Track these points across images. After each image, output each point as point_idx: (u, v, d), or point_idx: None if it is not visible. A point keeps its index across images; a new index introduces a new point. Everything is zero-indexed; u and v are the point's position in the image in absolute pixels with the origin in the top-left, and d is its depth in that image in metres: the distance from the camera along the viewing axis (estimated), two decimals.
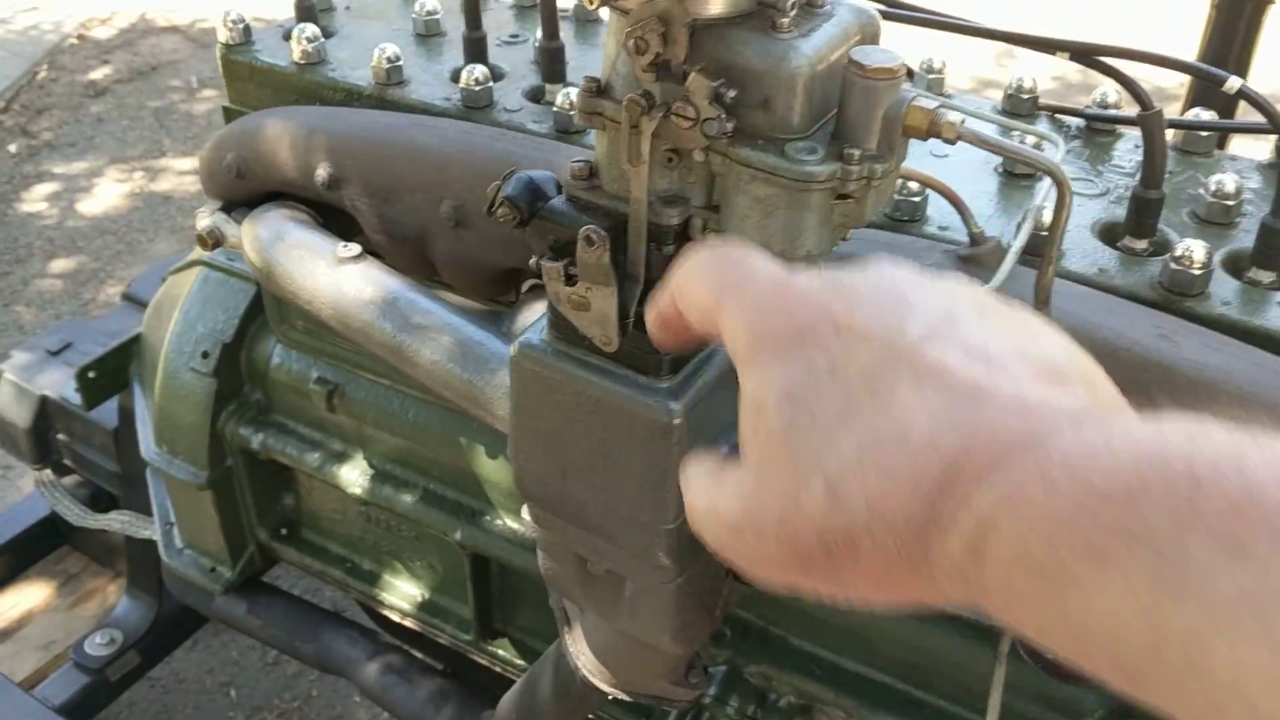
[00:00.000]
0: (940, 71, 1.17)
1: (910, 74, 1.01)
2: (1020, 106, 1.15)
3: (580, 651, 1.12)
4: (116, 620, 2.02)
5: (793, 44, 0.69)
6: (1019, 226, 0.91)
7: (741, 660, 1.26)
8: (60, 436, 1.98)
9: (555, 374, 0.84)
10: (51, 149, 4.32)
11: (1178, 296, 0.89)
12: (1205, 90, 1.21)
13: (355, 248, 1.05)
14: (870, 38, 0.73)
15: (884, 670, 1.22)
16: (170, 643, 2.11)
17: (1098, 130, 1.11)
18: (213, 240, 1.22)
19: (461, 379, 0.95)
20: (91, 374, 1.74)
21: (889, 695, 1.22)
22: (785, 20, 0.69)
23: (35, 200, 3.99)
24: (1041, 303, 0.77)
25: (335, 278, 1.04)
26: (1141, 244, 0.95)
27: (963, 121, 0.68)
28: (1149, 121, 0.93)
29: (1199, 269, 0.89)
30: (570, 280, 0.77)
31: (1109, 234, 0.97)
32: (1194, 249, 0.89)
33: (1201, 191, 0.99)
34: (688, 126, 0.69)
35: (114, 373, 1.76)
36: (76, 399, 1.82)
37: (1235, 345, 0.83)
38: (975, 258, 0.85)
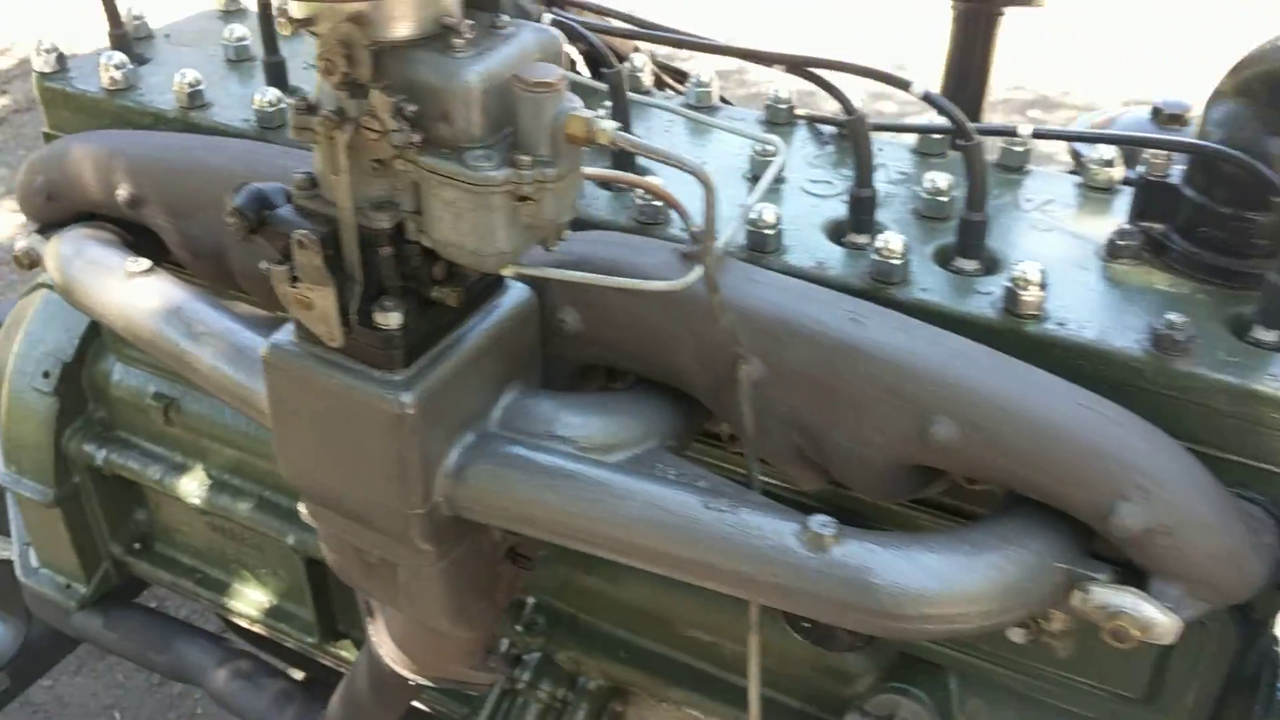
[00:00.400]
0: (707, 85, 1.26)
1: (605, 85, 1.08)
2: (778, 115, 1.23)
3: (382, 641, 1.18)
4: None
5: (466, 63, 0.76)
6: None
7: (553, 647, 1.33)
8: None
9: (300, 371, 0.90)
10: None
11: (881, 284, 0.98)
12: None
13: (144, 262, 1.11)
14: (551, 56, 0.81)
15: (683, 650, 1.29)
16: (42, 666, 2.14)
17: (846, 137, 1.20)
18: (28, 260, 1.27)
19: (235, 381, 1.01)
20: None
21: (688, 674, 1.29)
22: (460, 42, 0.77)
23: None
24: (712, 289, 0.85)
25: (125, 291, 1.10)
26: (863, 239, 1.03)
27: (616, 129, 0.76)
28: (855, 126, 1.02)
29: (897, 259, 0.97)
30: (294, 282, 0.83)
31: (835, 231, 1.06)
32: (891, 241, 0.97)
33: (918, 189, 1.08)
34: (375, 139, 0.77)
35: None
36: None
37: (920, 326, 0.91)
38: (695, 254, 0.92)
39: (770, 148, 1.08)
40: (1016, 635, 1.05)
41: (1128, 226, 1.02)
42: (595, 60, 1.35)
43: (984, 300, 0.97)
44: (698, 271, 0.88)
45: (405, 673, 1.17)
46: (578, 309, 0.99)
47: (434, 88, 0.76)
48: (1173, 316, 0.90)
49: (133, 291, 1.10)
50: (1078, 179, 1.14)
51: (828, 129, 1.22)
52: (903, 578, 0.84)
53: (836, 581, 0.85)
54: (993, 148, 1.14)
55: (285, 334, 0.91)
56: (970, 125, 0.98)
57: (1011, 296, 0.94)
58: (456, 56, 0.76)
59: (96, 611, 1.72)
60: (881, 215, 1.08)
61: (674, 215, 1.06)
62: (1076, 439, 0.85)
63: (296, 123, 0.80)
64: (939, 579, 0.85)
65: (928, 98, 0.97)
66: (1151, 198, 1.02)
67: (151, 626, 1.70)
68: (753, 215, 1.01)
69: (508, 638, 1.35)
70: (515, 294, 0.97)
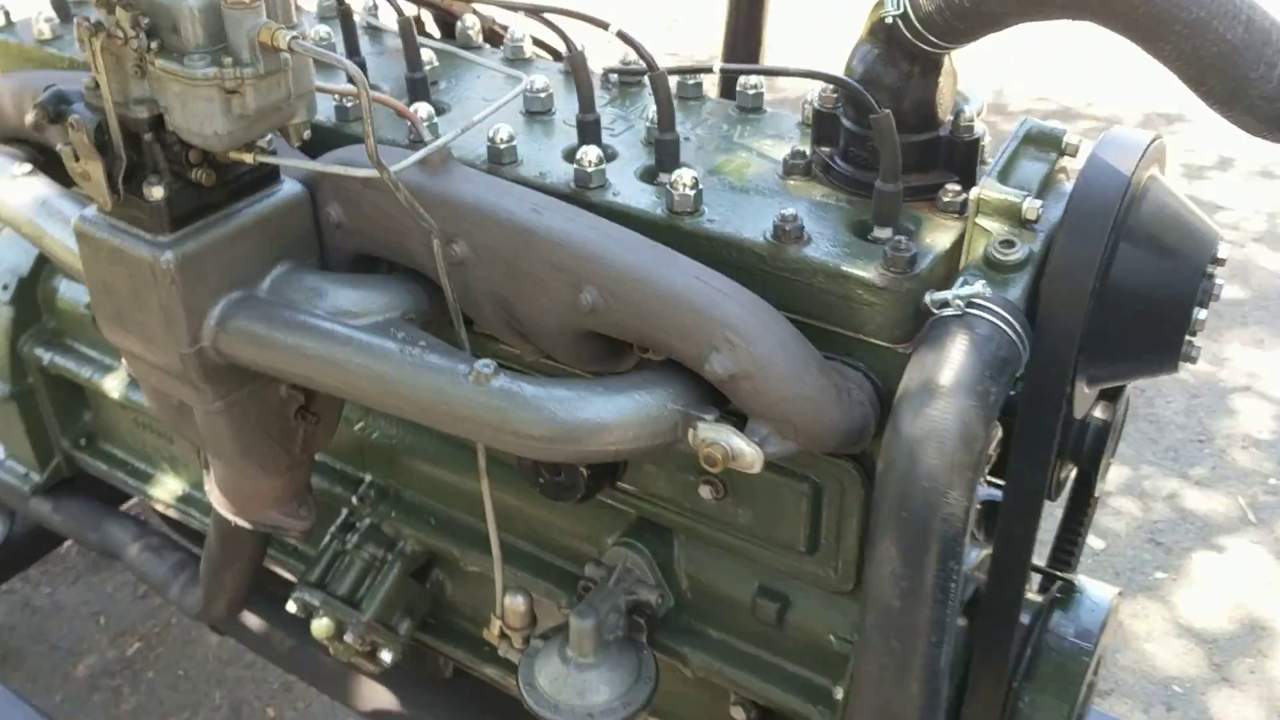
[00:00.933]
0: (470, 27, 1.49)
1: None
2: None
3: (212, 489, 1.42)
4: None
5: None
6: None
7: (378, 517, 1.56)
8: None
9: (98, 238, 1.15)
10: None
11: (580, 190, 1.19)
12: None
13: (26, 166, 1.38)
14: None
15: (507, 531, 1.51)
16: (23, 559, 2.43)
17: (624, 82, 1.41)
18: None
19: (75, 255, 1.27)
20: None
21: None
22: None
23: None
24: (381, 167, 1.06)
25: (10, 189, 1.37)
26: (585, 155, 1.24)
27: (293, 38, 0.99)
28: (574, 61, 1.24)
29: (594, 168, 1.18)
30: (76, 159, 1.08)
31: (568, 152, 1.27)
32: (590, 154, 1.18)
33: (647, 122, 1.28)
34: (120, 44, 1.01)
35: None
36: None
37: (584, 215, 1.12)
38: (425, 159, 1.15)
39: (519, 76, 1.30)
40: (705, 493, 1.26)
41: (798, 148, 1.21)
42: (444, 22, 1.60)
43: (658, 203, 1.17)
44: (407, 161, 1.10)
45: (229, 516, 1.41)
46: (340, 203, 1.22)
47: (164, 6, 1.00)
48: (786, 211, 1.10)
49: (14, 187, 1.36)
50: (798, 118, 1.33)
51: (619, 76, 1.43)
52: (540, 408, 1.06)
53: (492, 409, 1.07)
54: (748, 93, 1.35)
55: (92, 209, 1.16)
56: (657, 64, 1.19)
57: (669, 197, 1.15)
58: None
59: (48, 498, 2.00)
60: (616, 141, 1.29)
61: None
62: (684, 302, 1.05)
63: (77, 34, 1.05)
64: (569, 409, 1.06)
65: (621, 35, 1.18)
66: (822, 126, 1.21)
67: (88, 511, 1.97)
68: (491, 133, 1.24)
69: (345, 508, 1.58)
70: (287, 188, 1.21)
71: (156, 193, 1.09)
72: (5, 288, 1.86)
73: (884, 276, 1.05)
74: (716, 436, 1.05)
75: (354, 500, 1.57)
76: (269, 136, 1.12)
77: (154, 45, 1.01)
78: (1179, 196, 1.10)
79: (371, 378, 1.11)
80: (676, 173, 1.15)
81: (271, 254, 1.20)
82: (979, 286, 1.02)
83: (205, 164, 1.11)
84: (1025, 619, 1.34)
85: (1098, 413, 1.31)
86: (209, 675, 2.59)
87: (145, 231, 1.12)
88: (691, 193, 1.14)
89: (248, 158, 1.09)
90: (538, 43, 1.53)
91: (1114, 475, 3.07)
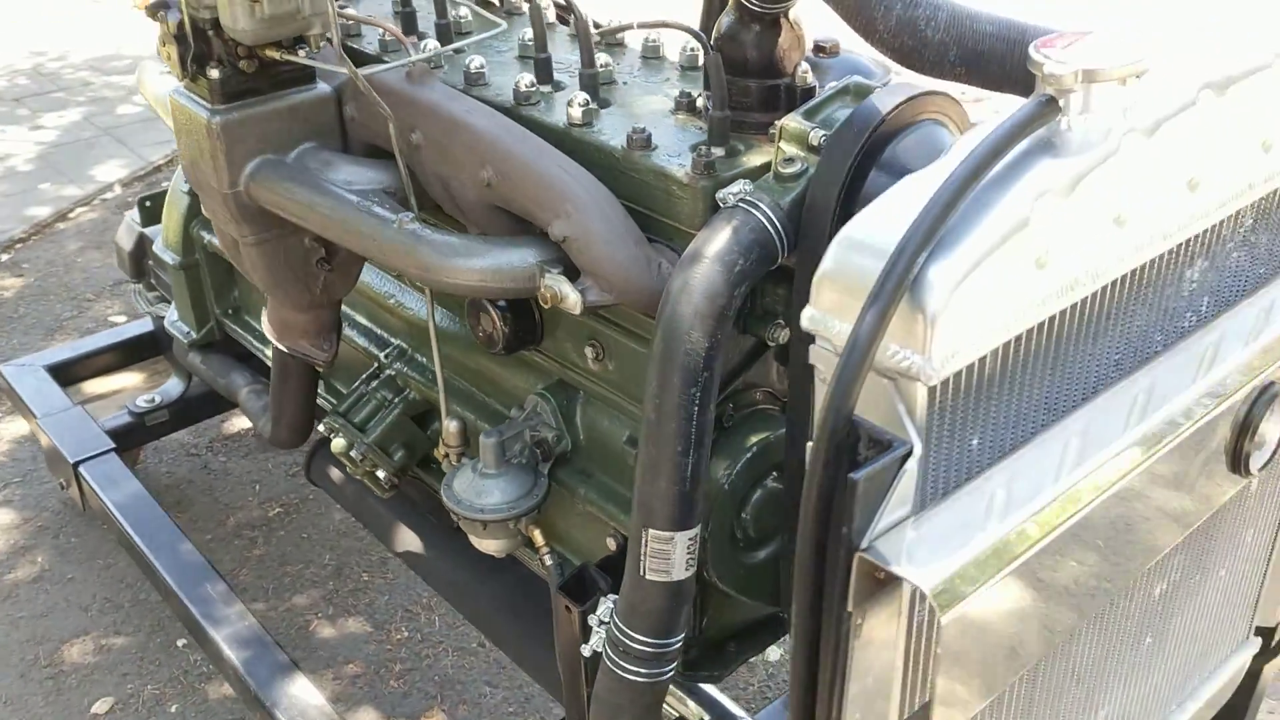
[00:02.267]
0: None
1: None
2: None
3: (265, 320, 1.89)
4: (162, 390, 2.96)
5: None
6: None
7: (393, 370, 1.99)
8: (150, 263, 2.96)
9: (180, 102, 1.64)
10: None
11: (518, 105, 1.57)
12: None
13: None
14: None
15: (464, 379, 1.91)
16: (194, 415, 3.04)
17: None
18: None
19: None
20: (148, 203, 2.70)
21: (465, 395, 1.90)
22: None
23: None
24: (354, 75, 1.47)
25: (157, 82, 1.90)
26: (540, 85, 1.62)
27: None
28: (578, 25, 1.63)
29: (529, 90, 1.57)
30: (163, 43, 1.57)
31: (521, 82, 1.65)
32: (524, 80, 1.57)
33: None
34: None
35: (162, 204, 2.71)
36: None
37: (496, 115, 1.50)
38: (408, 70, 1.57)
39: (500, 23, 1.70)
40: (589, 354, 1.60)
41: (685, 90, 1.55)
42: None
43: (564, 116, 1.54)
44: (378, 69, 1.52)
45: (273, 339, 1.87)
46: (354, 103, 1.66)
47: None
48: (638, 127, 1.44)
49: (160, 81, 1.89)
50: None
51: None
52: (435, 248, 1.45)
53: (403, 246, 1.47)
54: None
55: (181, 85, 1.65)
56: (582, 18, 1.56)
57: (566, 114, 1.51)
58: None
59: (199, 352, 2.56)
60: (570, 78, 1.66)
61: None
62: (543, 180, 1.42)
63: None
64: (453, 251, 1.44)
65: None
66: (706, 74, 1.54)
67: (223, 364, 2.51)
68: (466, 61, 1.64)
69: (375, 362, 2.02)
70: (319, 88, 1.66)
71: (213, 74, 1.56)
72: (187, 180, 2.42)
73: (688, 176, 1.38)
74: (553, 283, 1.41)
75: (381, 356, 2.00)
76: (307, 45, 1.57)
77: None
78: (946, 137, 1.36)
79: (336, 219, 1.54)
80: (574, 95, 1.51)
81: (300, 133, 1.65)
82: (742, 186, 1.33)
83: (250, 57, 1.57)
84: None
85: None
86: (326, 542, 3.11)
87: (206, 101, 1.59)
88: (580, 111, 1.50)
89: (276, 55, 1.55)
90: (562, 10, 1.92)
91: None
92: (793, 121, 1.38)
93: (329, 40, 1.57)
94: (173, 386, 2.97)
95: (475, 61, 1.64)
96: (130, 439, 2.89)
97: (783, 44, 1.44)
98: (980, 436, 0.92)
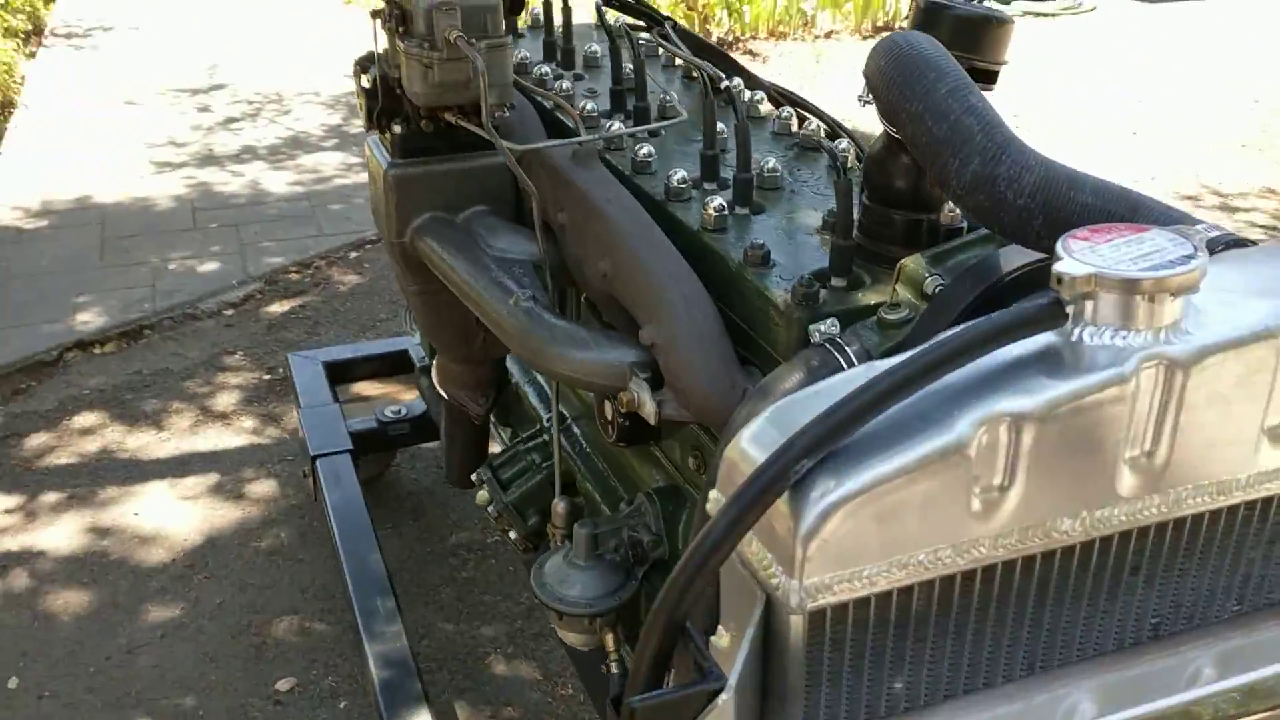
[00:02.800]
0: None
1: None
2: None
3: (434, 363, 1.95)
4: (409, 405, 3.14)
5: None
6: None
7: (549, 435, 1.99)
8: None
9: (371, 150, 1.73)
10: None
11: (666, 200, 1.53)
12: None
13: None
14: (485, 7, 1.52)
15: (600, 460, 1.88)
16: (435, 432, 3.18)
17: None
18: None
19: None
20: None
21: (597, 474, 1.87)
22: None
23: None
24: (511, 162, 1.48)
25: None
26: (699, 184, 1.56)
27: (458, 37, 1.46)
28: (740, 127, 1.57)
29: (682, 186, 1.52)
30: (359, 95, 1.66)
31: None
32: (677, 174, 1.52)
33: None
34: (386, 25, 1.56)
35: None
36: None
37: (636, 213, 1.45)
38: (574, 151, 1.57)
39: (682, 113, 1.66)
40: (690, 462, 1.53)
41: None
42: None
43: (697, 216, 1.47)
44: (536, 145, 1.53)
45: (437, 384, 1.93)
46: (530, 175, 1.68)
47: (410, 5, 1.53)
48: (756, 242, 1.35)
49: None
50: None
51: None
52: (542, 332, 1.43)
53: (514, 324, 1.46)
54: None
55: (374, 137, 1.74)
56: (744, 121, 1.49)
57: (703, 215, 1.45)
58: None
59: (427, 376, 2.69)
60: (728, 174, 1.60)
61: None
62: (645, 281, 1.36)
63: (371, 14, 1.62)
64: (558, 340, 1.42)
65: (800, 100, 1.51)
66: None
67: (435, 395, 2.62)
68: (636, 148, 1.62)
69: (538, 424, 2.03)
70: (494, 155, 1.69)
71: (396, 129, 1.63)
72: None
73: (786, 304, 1.28)
74: (635, 388, 1.35)
75: (544, 419, 2.01)
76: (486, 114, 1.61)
77: (400, 30, 1.55)
78: None
79: (467, 283, 1.56)
80: (709, 199, 1.45)
81: (473, 196, 1.70)
82: (828, 325, 1.22)
83: (429, 118, 1.63)
84: None
85: None
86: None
87: (388, 153, 1.67)
88: (714, 215, 1.43)
89: (450, 119, 1.60)
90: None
91: None
92: (913, 263, 1.25)
93: (511, 107, 1.60)
94: (419, 403, 3.14)
95: (644, 149, 1.62)
96: (370, 443, 3.09)
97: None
98: (907, 679, 0.77)
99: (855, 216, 1.31)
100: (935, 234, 1.33)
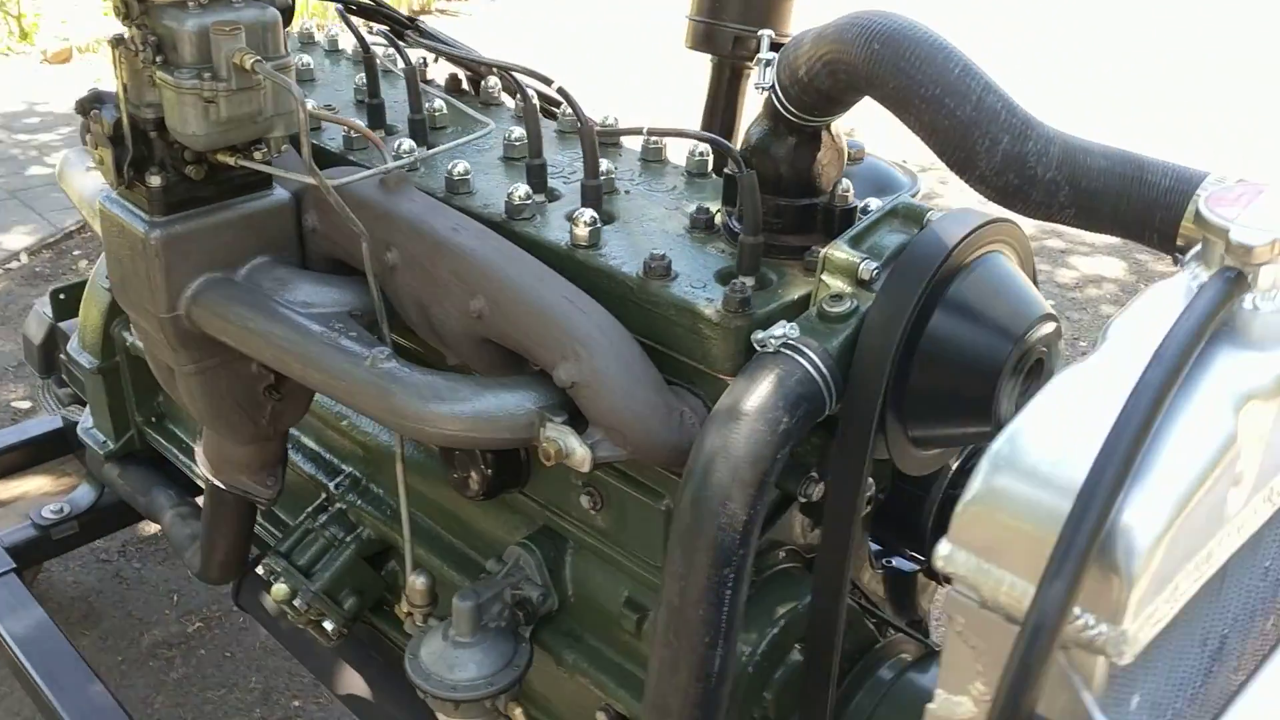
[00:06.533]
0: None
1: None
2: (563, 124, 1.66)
3: (199, 452, 1.65)
4: (71, 499, 2.67)
5: (189, 16, 1.25)
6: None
7: (345, 503, 1.75)
8: (62, 356, 2.68)
9: (110, 210, 1.41)
10: None
11: (509, 220, 1.37)
12: None
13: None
14: (264, 26, 1.28)
15: (430, 518, 1.68)
16: (107, 525, 2.74)
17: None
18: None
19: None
20: (61, 295, 2.43)
21: (432, 538, 1.68)
22: (193, 4, 1.25)
23: None
24: (320, 185, 1.27)
25: (83, 179, 1.67)
26: (532, 195, 1.42)
27: (255, 62, 1.22)
28: (584, 133, 1.43)
29: (523, 202, 1.37)
30: (95, 146, 1.34)
31: (516, 189, 1.46)
32: (519, 190, 1.37)
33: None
34: (133, 55, 1.27)
35: (79, 297, 2.45)
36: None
37: (490, 235, 1.30)
38: (384, 178, 1.36)
39: (488, 123, 1.50)
40: (585, 503, 1.40)
41: (704, 206, 1.36)
42: (473, 81, 1.83)
43: (565, 234, 1.34)
44: (349, 179, 1.31)
45: (209, 475, 1.63)
46: (316, 211, 1.44)
47: (168, 27, 1.25)
48: (656, 251, 1.25)
49: (85, 178, 1.65)
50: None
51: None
52: (415, 392, 1.23)
53: (376, 388, 1.25)
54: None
55: (111, 190, 1.42)
56: (589, 120, 1.37)
57: (571, 233, 1.32)
58: (187, 11, 1.25)
59: (117, 464, 2.29)
60: (566, 186, 1.47)
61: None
62: (546, 315, 1.22)
63: (110, 43, 1.31)
64: (439, 397, 1.23)
65: (561, 91, 1.38)
66: (728, 188, 1.35)
67: (143, 479, 2.24)
68: (450, 167, 1.44)
69: (324, 492, 1.78)
70: (276, 194, 1.44)
71: (154, 181, 1.34)
72: (108, 277, 2.17)
73: (719, 314, 1.19)
74: (556, 435, 1.20)
75: (331, 486, 1.77)
76: (266, 147, 1.35)
77: (158, 59, 1.26)
78: (1012, 272, 1.20)
79: (294, 353, 1.32)
80: (578, 212, 1.32)
81: (252, 247, 1.43)
82: (787, 329, 1.15)
83: (198, 162, 1.35)
84: (887, 675, 1.40)
85: None
86: (251, 661, 2.82)
87: (143, 212, 1.37)
88: (586, 230, 1.30)
89: (230, 160, 1.33)
90: (545, 100, 1.73)
91: None
92: (838, 251, 1.20)
93: (292, 142, 1.36)
94: (82, 494, 2.67)
95: (459, 166, 1.44)
96: (32, 555, 2.59)
97: (822, 159, 1.27)
98: (1143, 695, 0.73)
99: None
100: (830, 218, 1.29)
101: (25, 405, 3.75)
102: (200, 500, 2.29)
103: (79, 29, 7.42)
